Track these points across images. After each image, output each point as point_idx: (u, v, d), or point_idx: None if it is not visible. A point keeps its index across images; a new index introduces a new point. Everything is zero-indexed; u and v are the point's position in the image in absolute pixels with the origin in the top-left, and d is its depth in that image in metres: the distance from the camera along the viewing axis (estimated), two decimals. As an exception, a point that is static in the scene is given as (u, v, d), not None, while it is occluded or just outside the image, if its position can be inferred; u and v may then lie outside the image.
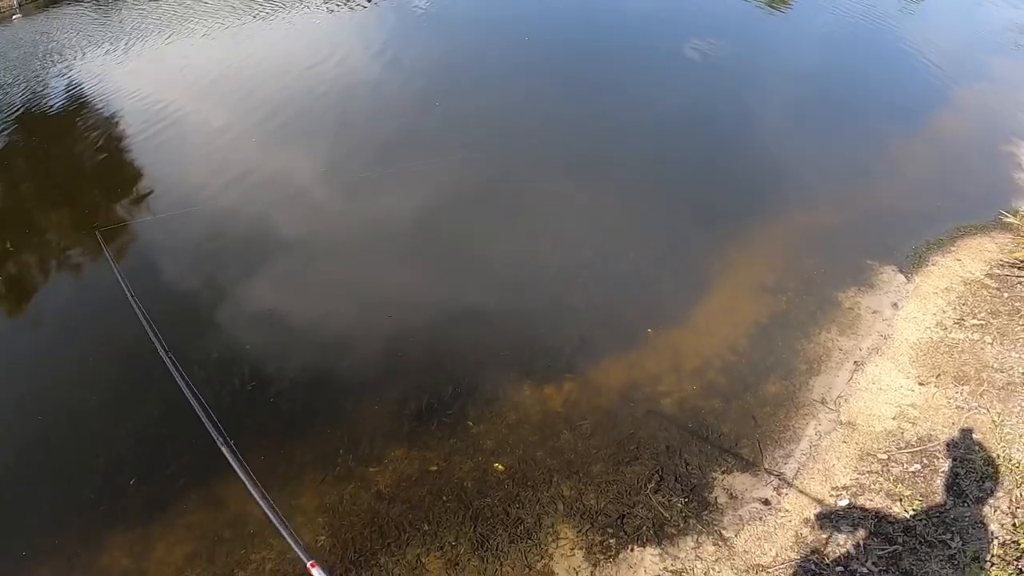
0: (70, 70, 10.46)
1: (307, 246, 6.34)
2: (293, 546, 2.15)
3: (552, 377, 4.89)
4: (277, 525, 2.25)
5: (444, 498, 4.11)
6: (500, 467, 4.28)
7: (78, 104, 9.46)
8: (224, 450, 2.43)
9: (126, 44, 11.23)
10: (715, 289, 5.69)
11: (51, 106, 9.48)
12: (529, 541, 3.88)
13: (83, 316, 5.72)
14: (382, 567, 3.79)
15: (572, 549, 3.84)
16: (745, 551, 3.80)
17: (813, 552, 3.75)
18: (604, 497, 4.10)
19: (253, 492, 2.34)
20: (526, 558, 3.80)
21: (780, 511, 4.01)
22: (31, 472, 4.52)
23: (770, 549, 3.80)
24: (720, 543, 3.85)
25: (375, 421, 4.62)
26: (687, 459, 4.32)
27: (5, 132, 8.78)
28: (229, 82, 9.77)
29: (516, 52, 10.46)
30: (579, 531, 3.92)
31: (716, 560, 3.76)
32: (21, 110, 9.33)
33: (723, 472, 4.26)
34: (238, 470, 2.38)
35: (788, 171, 7.42)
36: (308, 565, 2.06)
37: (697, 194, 7.15)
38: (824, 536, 3.83)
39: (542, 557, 3.81)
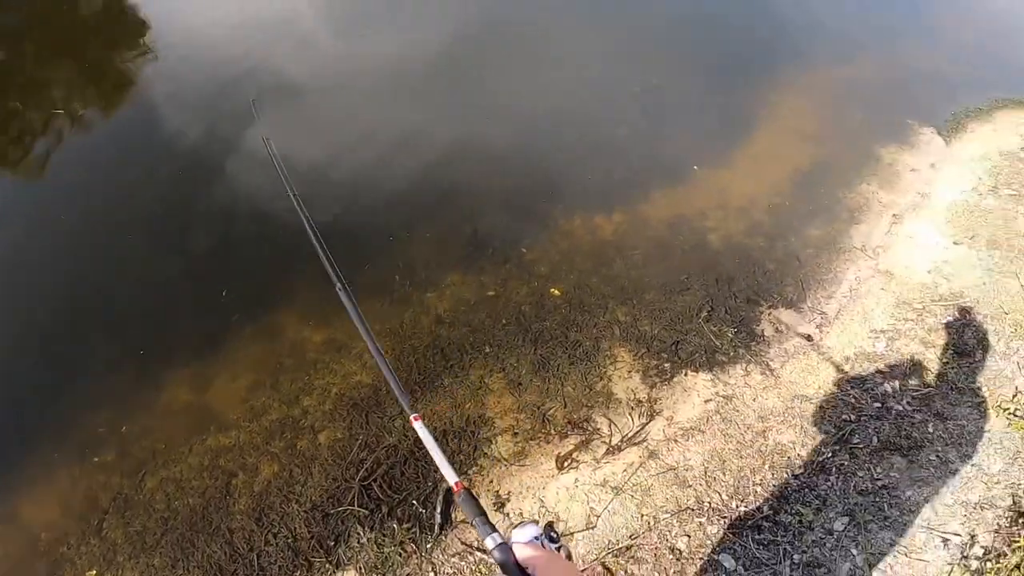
0: None
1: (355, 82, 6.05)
2: (398, 397, 1.94)
3: (601, 208, 4.74)
4: (384, 372, 2.03)
5: (504, 321, 4.03)
6: (556, 292, 4.15)
7: None
8: (340, 294, 2.18)
9: None
10: (758, 133, 5.50)
11: None
12: (588, 363, 3.86)
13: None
14: (447, 388, 3.75)
15: (629, 372, 3.84)
16: (790, 382, 3.90)
17: (852, 387, 3.87)
18: (658, 324, 4.07)
19: (363, 334, 2.10)
20: (586, 378, 3.79)
21: (822, 348, 4.10)
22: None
23: (813, 382, 3.91)
24: (767, 373, 3.92)
25: (429, 248, 4.45)
26: (735, 292, 4.31)
27: None
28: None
29: None
30: (635, 355, 3.91)
31: (764, 388, 3.85)
32: None
33: (769, 307, 4.28)
34: (350, 311, 2.13)
35: (829, 24, 7.07)
36: (412, 418, 1.85)
37: (737, 40, 6.76)
38: (862, 374, 3.95)
39: (601, 378, 3.80)
